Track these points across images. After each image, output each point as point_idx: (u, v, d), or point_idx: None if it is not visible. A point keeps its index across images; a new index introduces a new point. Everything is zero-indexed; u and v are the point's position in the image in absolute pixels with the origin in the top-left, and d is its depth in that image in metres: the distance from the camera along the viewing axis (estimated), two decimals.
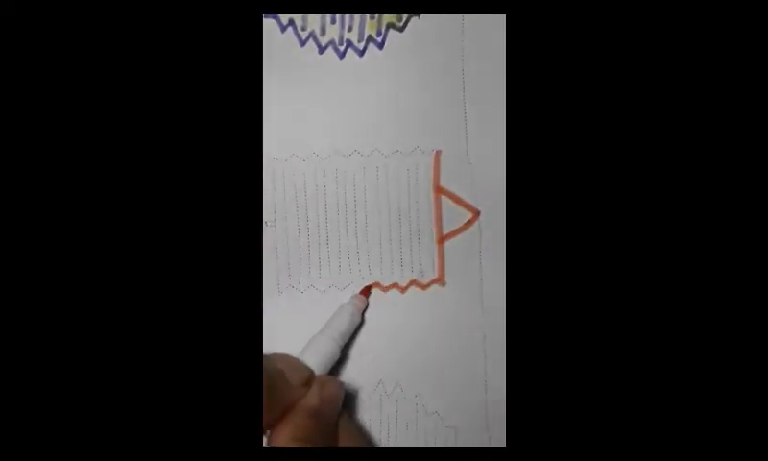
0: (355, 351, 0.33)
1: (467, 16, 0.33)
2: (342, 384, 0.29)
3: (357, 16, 0.33)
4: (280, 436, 0.26)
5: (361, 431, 0.32)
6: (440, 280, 0.34)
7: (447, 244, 0.33)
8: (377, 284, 0.33)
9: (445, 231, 0.33)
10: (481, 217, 0.33)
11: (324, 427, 0.27)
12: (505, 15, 0.32)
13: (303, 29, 0.33)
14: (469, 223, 0.33)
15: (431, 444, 0.33)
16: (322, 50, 0.33)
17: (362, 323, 0.33)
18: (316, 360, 0.30)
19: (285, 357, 0.29)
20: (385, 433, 0.33)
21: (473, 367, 0.34)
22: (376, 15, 0.33)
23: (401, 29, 0.33)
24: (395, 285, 0.33)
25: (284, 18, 0.32)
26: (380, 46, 0.33)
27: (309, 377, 0.29)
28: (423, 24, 0.33)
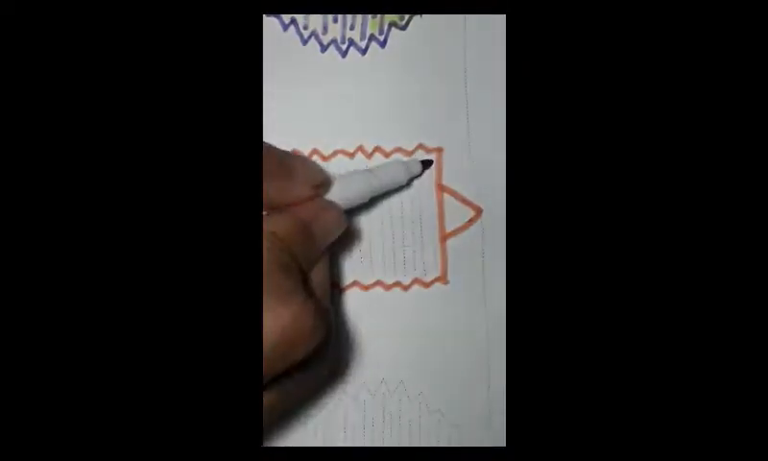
0: (358, 350, 0.33)
1: (469, 15, 0.33)
2: (344, 220, 0.28)
3: (359, 15, 0.33)
4: (265, 225, 0.25)
5: (328, 284, 0.29)
6: (442, 279, 0.34)
7: (450, 242, 0.33)
8: (380, 282, 0.33)
9: (448, 230, 0.33)
10: (484, 215, 0.33)
11: (303, 245, 0.26)
12: (505, 16, 0.32)
13: (305, 28, 0.33)
14: (472, 221, 0.33)
15: (434, 442, 0.33)
16: (324, 49, 0.33)
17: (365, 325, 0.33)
18: (340, 190, 0.29)
19: (305, 158, 0.28)
20: (388, 431, 0.33)
21: (476, 365, 0.34)
22: (378, 14, 0.33)
23: (404, 27, 0.33)
24: (397, 284, 0.33)
25: (286, 17, 0.33)
26: (382, 45, 0.33)
27: (323, 182, 0.28)
28: (426, 23, 0.33)
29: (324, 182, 0.28)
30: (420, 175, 0.33)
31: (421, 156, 0.33)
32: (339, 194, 0.29)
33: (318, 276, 0.28)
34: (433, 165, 0.33)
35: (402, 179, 0.32)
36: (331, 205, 0.28)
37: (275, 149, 0.26)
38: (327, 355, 0.28)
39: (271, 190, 0.25)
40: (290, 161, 0.27)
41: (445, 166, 0.33)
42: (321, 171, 0.28)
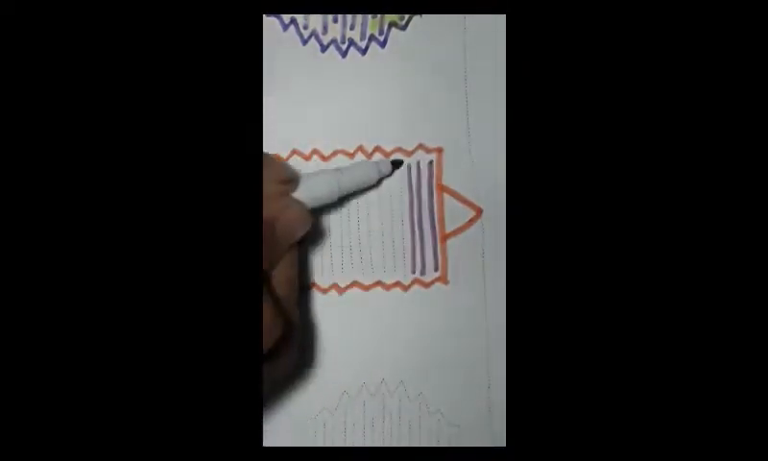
0: (358, 349, 0.33)
1: (469, 15, 0.33)
2: (309, 218, 0.28)
3: (359, 15, 0.33)
4: None
5: (294, 280, 0.29)
6: (443, 279, 0.34)
7: (450, 242, 0.33)
8: (380, 283, 0.33)
9: (448, 230, 0.33)
10: (484, 215, 0.33)
11: (265, 244, 0.26)
12: (505, 16, 0.32)
13: (305, 28, 0.33)
14: (472, 221, 0.33)
15: (434, 442, 0.33)
16: (324, 49, 0.33)
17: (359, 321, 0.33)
18: (307, 188, 0.29)
19: (270, 155, 0.28)
20: (388, 431, 0.33)
21: (476, 365, 0.34)
22: (378, 14, 0.33)
23: (403, 27, 0.33)
24: (397, 284, 0.33)
25: (286, 17, 0.33)
26: (382, 45, 0.33)
27: (290, 178, 0.28)
28: (425, 22, 0.33)
29: (291, 179, 0.29)
30: (390, 175, 0.33)
31: (421, 156, 0.33)
32: (305, 192, 0.29)
33: (282, 273, 0.28)
34: (404, 164, 0.33)
35: (373, 178, 0.32)
36: (296, 203, 0.28)
37: None
38: (291, 350, 0.28)
39: None
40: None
41: (445, 166, 0.33)
42: (287, 167, 0.29)
